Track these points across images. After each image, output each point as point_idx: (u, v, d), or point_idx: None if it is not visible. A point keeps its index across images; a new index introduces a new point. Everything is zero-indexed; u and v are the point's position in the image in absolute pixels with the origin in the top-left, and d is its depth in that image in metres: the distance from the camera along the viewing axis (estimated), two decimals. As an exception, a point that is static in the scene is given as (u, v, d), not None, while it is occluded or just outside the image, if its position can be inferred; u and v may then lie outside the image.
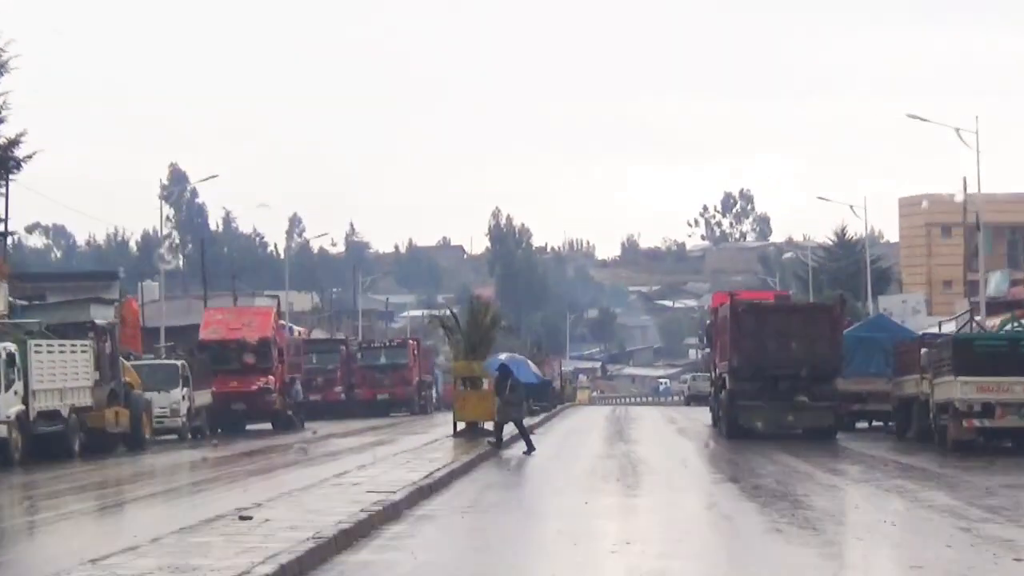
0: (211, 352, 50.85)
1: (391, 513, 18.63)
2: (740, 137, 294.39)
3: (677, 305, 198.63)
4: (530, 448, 33.19)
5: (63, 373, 34.87)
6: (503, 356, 35.95)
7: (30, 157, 46.52)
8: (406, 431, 47.10)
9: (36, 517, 21.09)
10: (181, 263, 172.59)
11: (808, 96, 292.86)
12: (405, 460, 28.50)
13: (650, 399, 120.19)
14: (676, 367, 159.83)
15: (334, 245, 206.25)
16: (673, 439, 41.41)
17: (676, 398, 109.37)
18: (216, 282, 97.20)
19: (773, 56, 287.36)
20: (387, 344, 77.25)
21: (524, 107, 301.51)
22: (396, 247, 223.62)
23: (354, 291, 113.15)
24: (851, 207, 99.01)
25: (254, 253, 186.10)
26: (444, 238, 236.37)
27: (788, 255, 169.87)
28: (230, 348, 51.32)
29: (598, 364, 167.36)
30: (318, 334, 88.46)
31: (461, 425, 38.66)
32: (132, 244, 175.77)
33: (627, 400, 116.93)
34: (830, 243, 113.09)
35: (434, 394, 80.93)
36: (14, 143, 45.94)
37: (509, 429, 34.59)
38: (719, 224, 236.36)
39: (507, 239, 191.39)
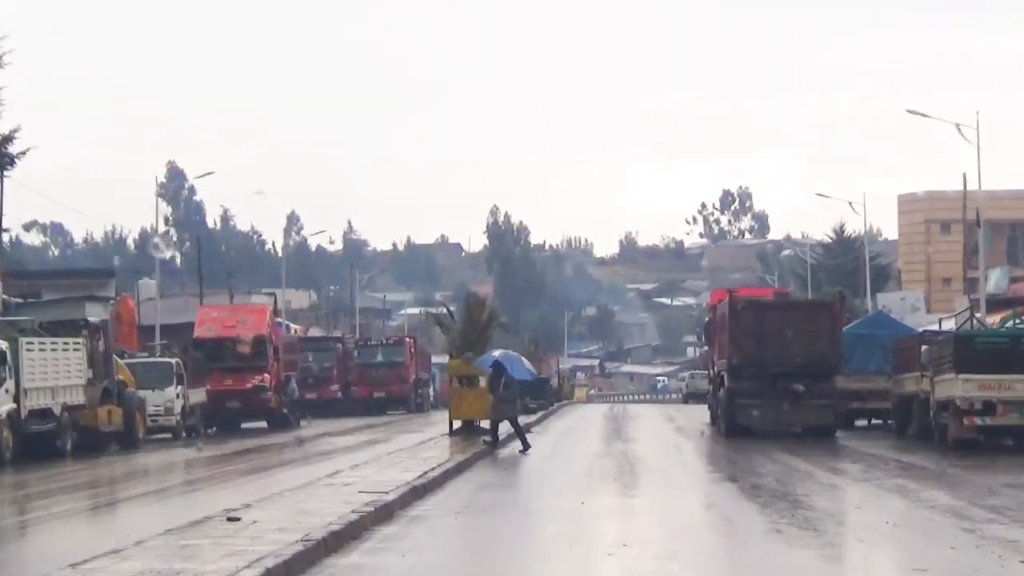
0: (206, 350, 50.55)
1: (383, 514, 18.24)
2: (739, 136, 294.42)
3: (675, 303, 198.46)
4: (525, 446, 32.84)
5: (55, 371, 34.51)
6: (496, 353, 35.53)
7: (24, 153, 46.31)
8: (402, 429, 46.75)
9: (22, 518, 20.76)
10: (179, 260, 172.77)
11: (807, 95, 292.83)
12: (399, 459, 28.14)
13: (648, 397, 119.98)
14: (674, 365, 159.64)
15: (332, 243, 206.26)
16: (671, 437, 41.06)
17: (674, 396, 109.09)
18: (214, 280, 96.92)
19: (772, 55, 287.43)
20: (384, 342, 76.97)
21: (523, 107, 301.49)
22: (394, 245, 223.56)
23: (351, 289, 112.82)
24: (850, 203, 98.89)
25: (252, 251, 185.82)
26: (442, 236, 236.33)
27: (786, 252, 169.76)
28: (225, 346, 51.02)
29: (596, 362, 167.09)
30: (315, 332, 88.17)
31: (457, 424, 38.33)
32: (130, 242, 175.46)
33: (625, 398, 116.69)
34: (829, 240, 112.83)
35: (431, 392, 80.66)
36: (8, 139, 45.69)
37: (505, 427, 34.24)
38: (717, 222, 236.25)
39: (505, 237, 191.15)
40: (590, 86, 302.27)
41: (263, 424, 51.24)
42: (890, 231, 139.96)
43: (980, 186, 55.76)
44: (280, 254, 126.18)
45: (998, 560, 14.53)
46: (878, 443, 35.70)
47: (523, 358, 36.24)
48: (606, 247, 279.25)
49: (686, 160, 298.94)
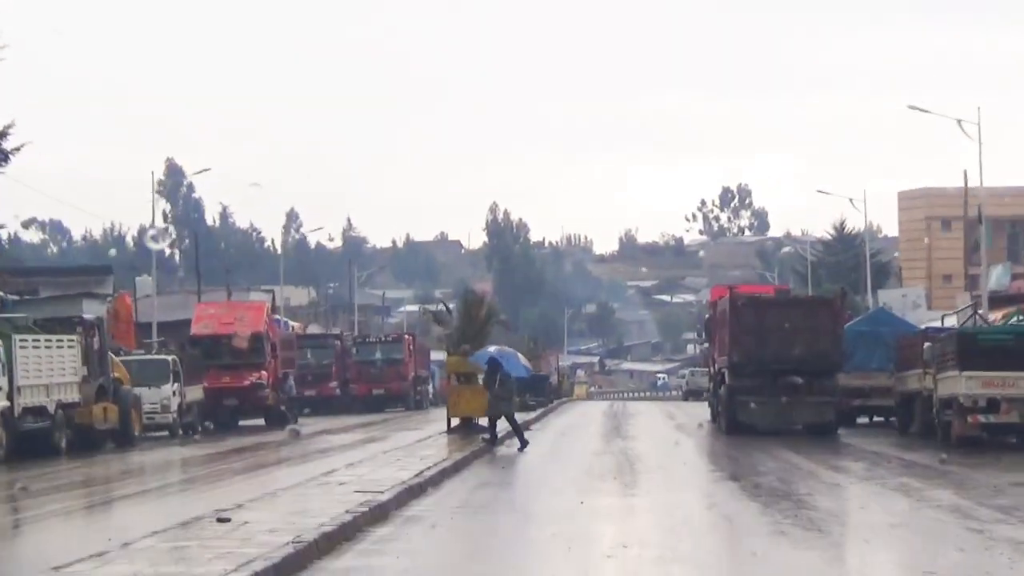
0: (203, 347, 50.17)
1: (378, 514, 17.84)
2: (739, 135, 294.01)
3: (675, 300, 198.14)
4: (522, 444, 32.50)
5: (49, 368, 34.13)
6: (492, 349, 35.08)
7: (18, 149, 45.92)
8: (400, 427, 46.37)
9: (10, 518, 20.36)
10: (177, 257, 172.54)
11: (807, 94, 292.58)
12: (396, 458, 27.76)
13: (648, 394, 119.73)
14: (674, 362, 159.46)
15: (331, 240, 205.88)
16: (671, 435, 40.68)
17: (674, 393, 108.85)
18: (213, 277, 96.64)
19: (772, 54, 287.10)
20: (382, 339, 76.55)
21: (523, 106, 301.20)
22: (393, 242, 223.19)
23: (350, 286, 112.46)
24: (851, 200, 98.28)
25: (251, 248, 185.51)
26: (442, 233, 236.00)
27: (786, 250, 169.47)
28: (222, 343, 50.63)
29: (596, 359, 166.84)
30: (314, 329, 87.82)
31: (455, 421, 37.96)
32: (129, 239, 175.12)
33: (625, 395, 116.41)
34: (829, 237, 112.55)
35: (430, 389, 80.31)
36: (2, 135, 45.30)
37: (504, 424, 33.88)
38: (717, 219, 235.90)
39: (505, 234, 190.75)
40: (590, 86, 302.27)
41: (261, 421, 50.89)
42: (890, 228, 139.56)
43: (982, 182, 55.38)
44: (279, 251, 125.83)
45: (1008, 563, 14.16)
46: (880, 441, 35.34)
47: (519, 354, 35.75)
48: (606, 244, 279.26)
49: (686, 160, 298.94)
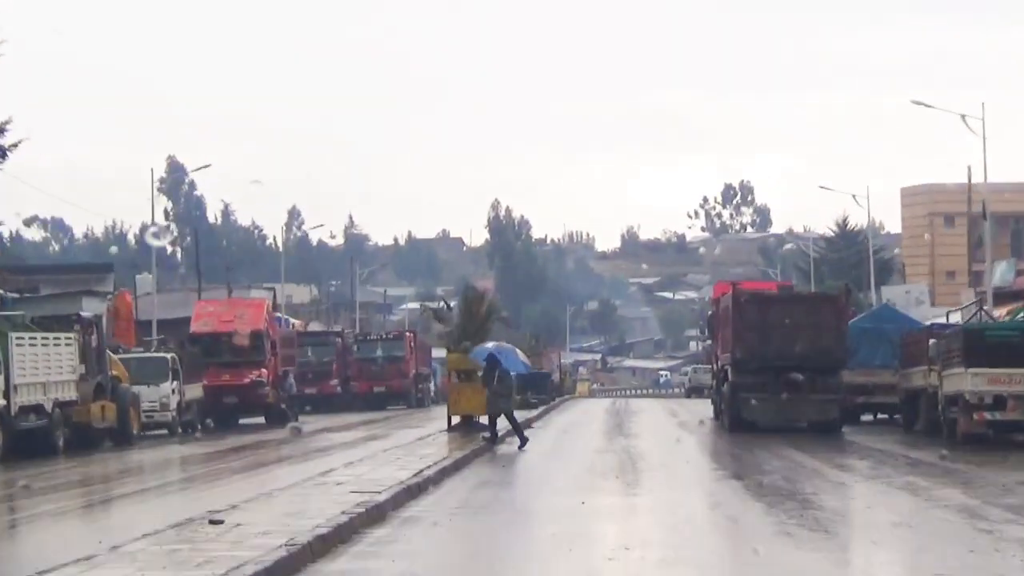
0: (202, 345, 49.82)
1: (375, 515, 17.46)
2: (740, 134, 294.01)
3: (677, 297, 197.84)
4: (522, 441, 32.16)
5: (47, 366, 33.81)
6: (490, 344, 34.69)
7: (16, 145, 45.63)
8: (401, 425, 46.04)
9: (4, 519, 20.05)
10: (179, 254, 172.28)
11: (808, 92, 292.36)
12: (395, 456, 27.37)
13: (650, 391, 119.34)
14: (677, 359, 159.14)
15: (333, 237, 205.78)
16: (674, 433, 40.30)
17: (677, 390, 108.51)
18: (215, 275, 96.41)
19: (773, 52, 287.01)
20: (384, 336, 76.23)
21: (524, 106, 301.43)
22: (395, 239, 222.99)
23: (351, 283, 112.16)
24: (853, 196, 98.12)
25: (253, 246, 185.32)
26: (443, 230, 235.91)
27: (789, 246, 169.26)
28: (222, 341, 50.29)
29: (598, 356, 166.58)
30: (315, 327, 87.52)
31: (456, 419, 37.63)
32: (130, 237, 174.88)
33: (627, 392, 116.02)
34: (832, 234, 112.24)
35: (432, 387, 79.99)
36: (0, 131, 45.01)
37: (505, 422, 33.53)
38: (719, 216, 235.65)
39: (506, 231, 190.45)
40: (591, 85, 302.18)
41: (261, 419, 50.57)
42: (892, 225, 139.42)
43: (986, 177, 55.01)
44: (281, 249, 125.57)
45: (1020, 564, 13.79)
46: (885, 438, 34.97)
47: (517, 350, 35.32)
48: (608, 241, 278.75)
49: (688, 158, 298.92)
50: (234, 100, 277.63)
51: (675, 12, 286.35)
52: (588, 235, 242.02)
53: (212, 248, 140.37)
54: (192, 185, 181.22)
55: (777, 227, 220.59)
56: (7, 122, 44.98)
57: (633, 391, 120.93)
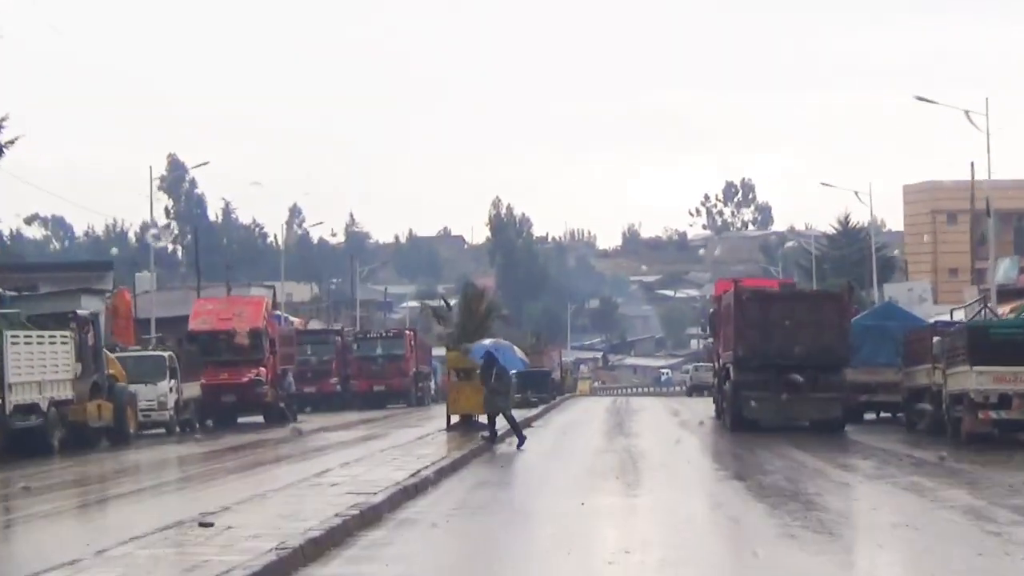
0: (201, 343, 49.49)
1: (370, 517, 17.09)
2: (741, 133, 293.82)
3: (679, 295, 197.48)
4: (520, 440, 31.82)
5: (42, 365, 33.47)
6: (487, 342, 34.27)
7: (12, 142, 45.46)
8: (400, 424, 45.69)
9: (-7, 520, 19.73)
10: (179, 252, 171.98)
11: (808, 91, 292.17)
12: (392, 456, 27.00)
13: (652, 390, 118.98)
14: (678, 357, 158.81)
15: (334, 235, 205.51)
16: (675, 432, 39.92)
17: (678, 388, 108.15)
18: (216, 273, 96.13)
19: (774, 51, 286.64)
20: (383, 334, 75.91)
21: (524, 105, 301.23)
22: (396, 237, 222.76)
23: (352, 281, 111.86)
24: (855, 193, 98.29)
25: (254, 244, 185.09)
26: (444, 228, 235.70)
27: (790, 244, 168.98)
28: (220, 339, 49.94)
29: (599, 354, 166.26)
30: (316, 325, 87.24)
31: (455, 418, 37.27)
32: (131, 235, 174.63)
33: (628, 391, 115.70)
34: (833, 231, 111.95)
35: (432, 385, 79.65)
36: (-4, 128, 44.83)
37: (504, 422, 33.17)
38: (720, 213, 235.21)
39: (507, 229, 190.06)
40: (591, 85, 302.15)
41: (260, 418, 50.23)
42: (894, 223, 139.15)
43: (990, 174, 54.71)
44: (282, 247, 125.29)
45: (1031, 569, 13.46)
46: (888, 437, 34.57)
47: (515, 347, 34.85)
48: (609, 239, 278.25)
49: (689, 157, 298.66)
50: (234, 100, 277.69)
51: (675, 12, 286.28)
52: (589, 233, 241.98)
53: (213, 246, 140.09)
54: (193, 183, 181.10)
55: (778, 225, 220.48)
56: (3, 119, 44.81)
57: (634, 389, 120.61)
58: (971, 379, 30.62)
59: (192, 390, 45.75)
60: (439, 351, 65.10)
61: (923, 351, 35.69)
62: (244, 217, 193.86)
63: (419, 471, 22.81)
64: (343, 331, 76.58)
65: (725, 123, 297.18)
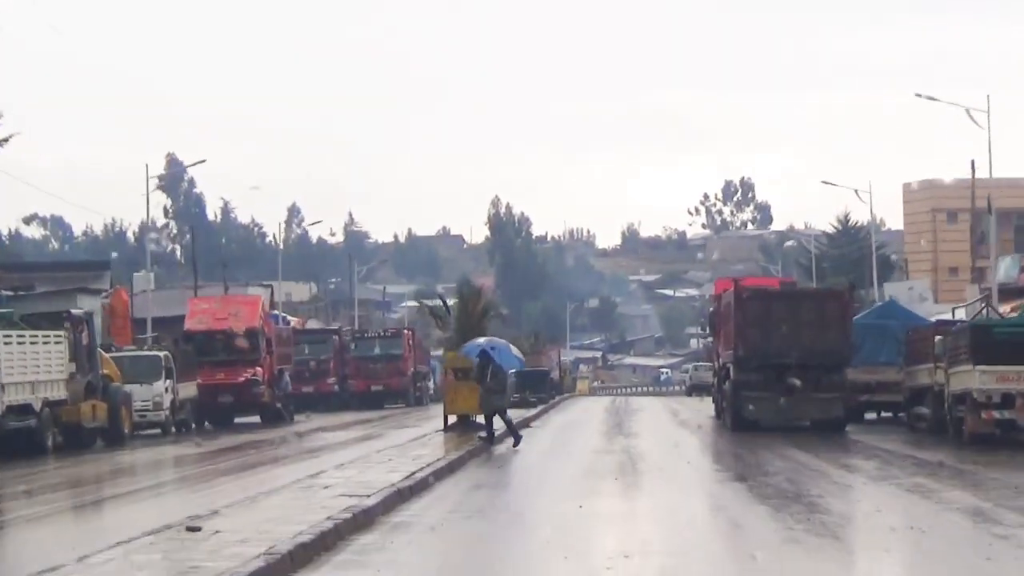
0: (197, 343, 49.10)
1: (362, 521, 16.70)
2: (741, 133, 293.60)
3: (678, 294, 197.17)
4: (516, 440, 31.46)
5: (35, 365, 33.13)
6: (482, 340, 33.89)
7: (7, 140, 45.10)
8: (397, 424, 45.30)
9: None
10: (178, 252, 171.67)
11: (808, 91, 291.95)
12: (388, 458, 26.59)
13: (651, 389, 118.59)
14: (677, 356, 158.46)
15: (333, 235, 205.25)
16: (675, 433, 39.55)
17: (677, 388, 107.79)
18: (216, 272, 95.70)
19: (774, 50, 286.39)
20: (381, 334, 75.48)
21: (523, 105, 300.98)
22: (395, 236, 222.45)
23: (350, 280, 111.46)
24: (855, 191, 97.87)
25: (252, 243, 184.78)
26: (444, 227, 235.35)
27: (790, 243, 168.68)
28: (216, 339, 49.55)
29: (599, 354, 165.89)
30: (314, 324, 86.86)
31: (452, 418, 36.91)
32: (130, 235, 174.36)
33: (627, 390, 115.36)
34: (833, 230, 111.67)
35: (430, 385, 79.28)
36: (-12, 125, 44.46)
37: (500, 421, 32.77)
38: (720, 212, 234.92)
39: (507, 228, 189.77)
40: (591, 84, 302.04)
41: (256, 419, 49.85)
42: (893, 221, 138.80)
43: (991, 172, 54.37)
44: (280, 246, 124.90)
45: (1041, 574, 13.10)
46: (890, 437, 34.19)
47: (511, 345, 34.44)
48: (608, 239, 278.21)
49: (688, 157, 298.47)
50: (234, 100, 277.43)
51: (675, 12, 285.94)
52: (588, 232, 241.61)
53: (212, 245, 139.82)
54: (191, 183, 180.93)
55: (778, 224, 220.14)
56: (-2, 116, 44.46)
57: (634, 389, 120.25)
58: (974, 379, 30.29)
59: (188, 390, 45.38)
60: (438, 351, 64.90)
61: (925, 350, 35.34)
62: (243, 217, 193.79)
63: (414, 473, 22.42)
64: (341, 331, 76.17)
65: (725, 123, 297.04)
